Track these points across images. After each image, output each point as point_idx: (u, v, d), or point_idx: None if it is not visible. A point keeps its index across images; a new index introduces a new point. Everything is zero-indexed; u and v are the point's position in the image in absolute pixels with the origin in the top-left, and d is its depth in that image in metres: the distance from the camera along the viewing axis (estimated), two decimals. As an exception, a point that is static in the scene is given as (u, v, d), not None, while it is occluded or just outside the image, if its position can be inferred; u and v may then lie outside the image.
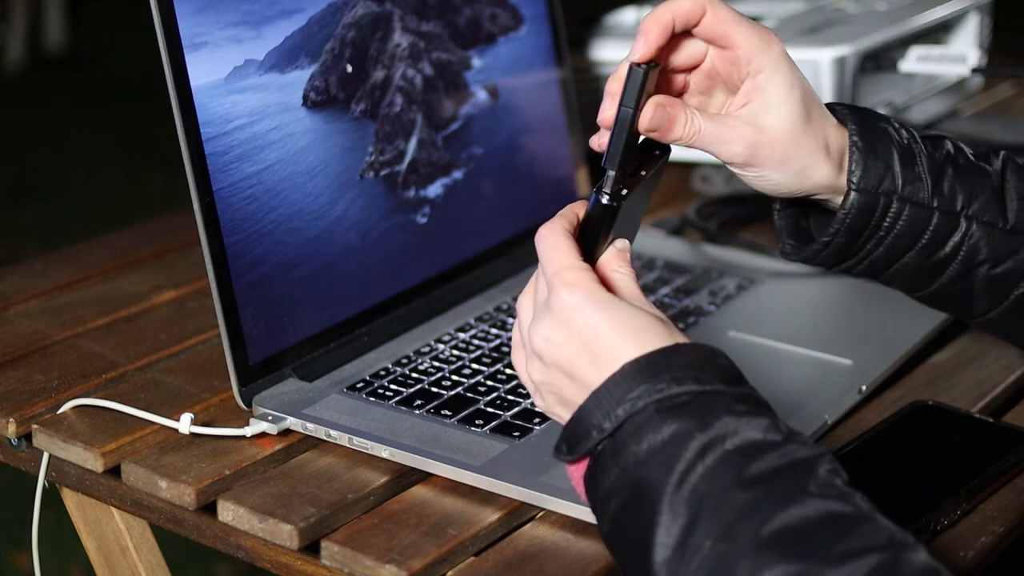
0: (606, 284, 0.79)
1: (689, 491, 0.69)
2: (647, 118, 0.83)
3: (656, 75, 0.84)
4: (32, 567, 1.07)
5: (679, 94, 0.89)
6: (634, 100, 0.81)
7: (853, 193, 0.87)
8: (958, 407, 1.02)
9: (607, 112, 0.84)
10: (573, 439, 0.75)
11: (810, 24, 1.45)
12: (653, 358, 0.74)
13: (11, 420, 0.99)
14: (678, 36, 0.86)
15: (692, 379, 0.73)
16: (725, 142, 0.85)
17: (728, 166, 0.88)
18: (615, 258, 0.81)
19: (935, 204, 0.89)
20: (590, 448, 0.74)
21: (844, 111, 0.90)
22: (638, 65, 0.81)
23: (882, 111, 1.40)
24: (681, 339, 0.76)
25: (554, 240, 0.79)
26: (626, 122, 0.81)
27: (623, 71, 0.84)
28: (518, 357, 0.81)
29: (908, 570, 0.64)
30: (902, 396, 1.05)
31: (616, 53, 1.45)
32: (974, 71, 1.43)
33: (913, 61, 1.42)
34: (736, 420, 0.71)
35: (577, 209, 0.82)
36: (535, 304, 0.79)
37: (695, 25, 0.85)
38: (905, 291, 0.95)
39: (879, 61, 1.41)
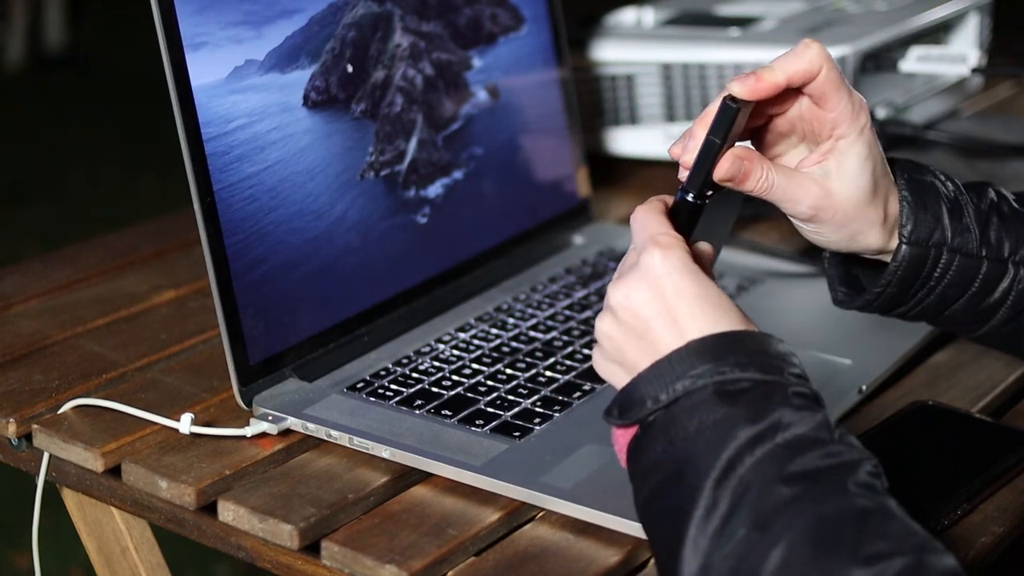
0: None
1: (735, 479, 0.70)
2: (724, 168, 0.84)
3: (748, 111, 0.85)
4: (32, 567, 1.07)
5: (760, 127, 0.90)
6: (722, 134, 0.83)
7: (904, 246, 0.90)
8: (958, 407, 1.02)
9: (696, 137, 0.85)
10: (627, 404, 0.77)
11: (810, 24, 1.45)
12: (722, 339, 0.75)
13: (11, 420, 0.99)
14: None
15: (755, 367, 0.74)
16: (793, 200, 0.87)
17: (788, 215, 0.90)
18: (698, 257, 0.82)
19: (984, 253, 0.92)
20: (642, 416, 0.76)
21: (892, 166, 0.91)
22: (733, 102, 0.82)
23: (882, 111, 1.41)
24: (752, 328, 0.77)
25: (650, 213, 0.81)
26: (710, 152, 0.83)
27: (716, 104, 0.84)
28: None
29: (933, 574, 0.65)
30: (902, 396, 1.05)
31: (616, 53, 1.45)
32: (974, 71, 1.43)
33: (913, 61, 1.42)
34: (790, 414, 0.72)
35: (666, 199, 0.84)
36: (620, 269, 0.81)
37: (805, 84, 0.86)
38: (957, 333, 0.98)
39: (879, 61, 1.41)
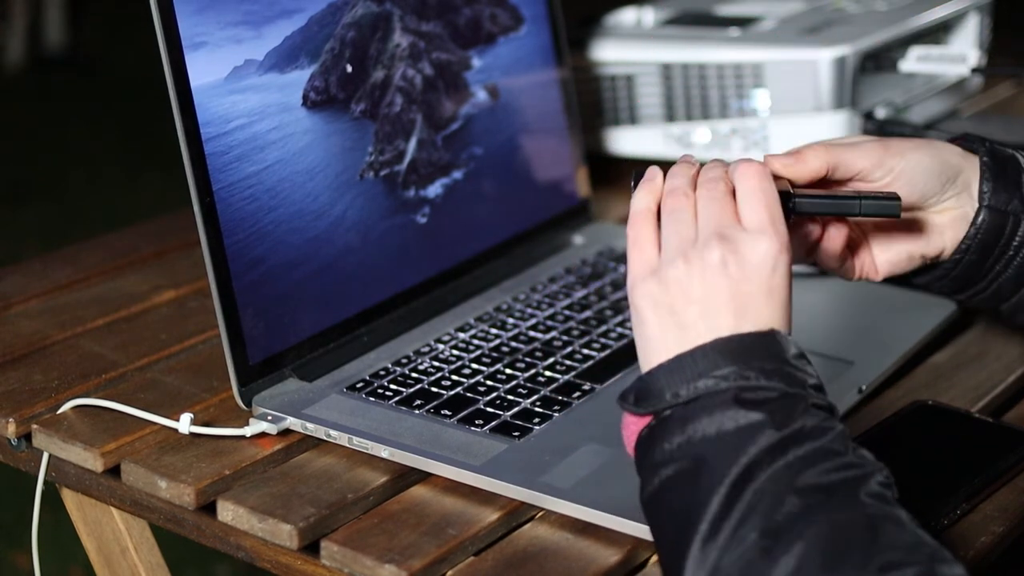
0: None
1: (750, 487, 0.70)
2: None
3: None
4: (32, 567, 1.07)
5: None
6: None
7: (984, 210, 0.90)
8: (958, 407, 1.02)
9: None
10: (644, 392, 0.76)
11: (810, 24, 1.45)
12: (749, 341, 0.74)
13: (11, 420, 0.99)
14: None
15: (780, 377, 0.73)
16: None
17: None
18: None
19: None
20: (658, 408, 0.75)
21: (975, 139, 0.93)
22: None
23: (882, 111, 1.41)
24: (783, 327, 0.76)
25: (775, 188, 0.79)
26: None
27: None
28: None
29: None
30: (902, 396, 1.05)
31: (616, 53, 1.45)
32: (974, 71, 1.43)
33: (913, 61, 1.42)
34: (810, 427, 0.72)
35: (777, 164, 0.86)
36: (723, 216, 0.78)
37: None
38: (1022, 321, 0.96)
39: (879, 61, 1.41)
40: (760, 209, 0.77)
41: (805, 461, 0.71)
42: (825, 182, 0.89)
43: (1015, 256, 0.91)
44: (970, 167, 0.91)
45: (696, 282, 0.76)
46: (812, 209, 0.85)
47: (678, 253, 0.77)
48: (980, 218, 0.90)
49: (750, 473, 0.70)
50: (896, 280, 0.96)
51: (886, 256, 0.92)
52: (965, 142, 0.93)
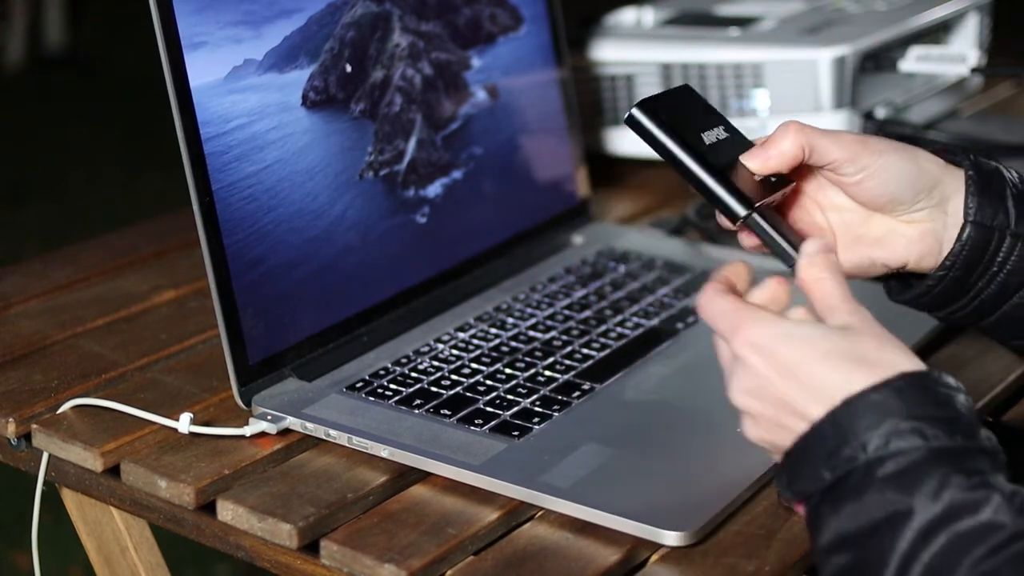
0: (812, 296, 0.79)
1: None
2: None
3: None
4: (32, 567, 1.07)
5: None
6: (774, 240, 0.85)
7: (969, 225, 0.88)
8: (957, 407, 1.02)
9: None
10: (794, 477, 0.75)
11: (810, 24, 1.45)
12: (868, 401, 0.72)
13: (11, 420, 0.99)
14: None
15: (915, 432, 0.71)
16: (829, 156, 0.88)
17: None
18: (810, 266, 0.80)
19: None
20: (809, 493, 0.74)
21: (958, 150, 0.91)
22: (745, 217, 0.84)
23: (882, 111, 1.41)
24: (892, 358, 0.74)
25: (714, 301, 0.79)
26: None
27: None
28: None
29: None
30: (901, 396, 1.05)
31: (616, 53, 1.45)
32: (974, 71, 1.43)
33: (913, 61, 1.42)
34: (964, 496, 0.69)
35: (726, 271, 0.82)
36: (724, 367, 0.80)
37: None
38: (1006, 338, 0.95)
39: (879, 61, 1.41)
40: (715, 325, 0.79)
41: (969, 540, 0.67)
42: (800, 169, 0.88)
43: (998, 272, 0.89)
44: (951, 181, 0.88)
45: (766, 390, 0.76)
46: (757, 232, 0.85)
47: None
48: (966, 233, 0.88)
49: (909, 566, 0.68)
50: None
51: (847, 256, 0.90)
52: (949, 154, 0.91)
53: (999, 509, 0.68)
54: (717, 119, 0.89)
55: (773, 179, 0.87)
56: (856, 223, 0.90)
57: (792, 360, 0.75)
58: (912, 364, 0.74)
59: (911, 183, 0.87)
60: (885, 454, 0.71)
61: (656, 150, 0.86)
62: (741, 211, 0.84)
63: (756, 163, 0.86)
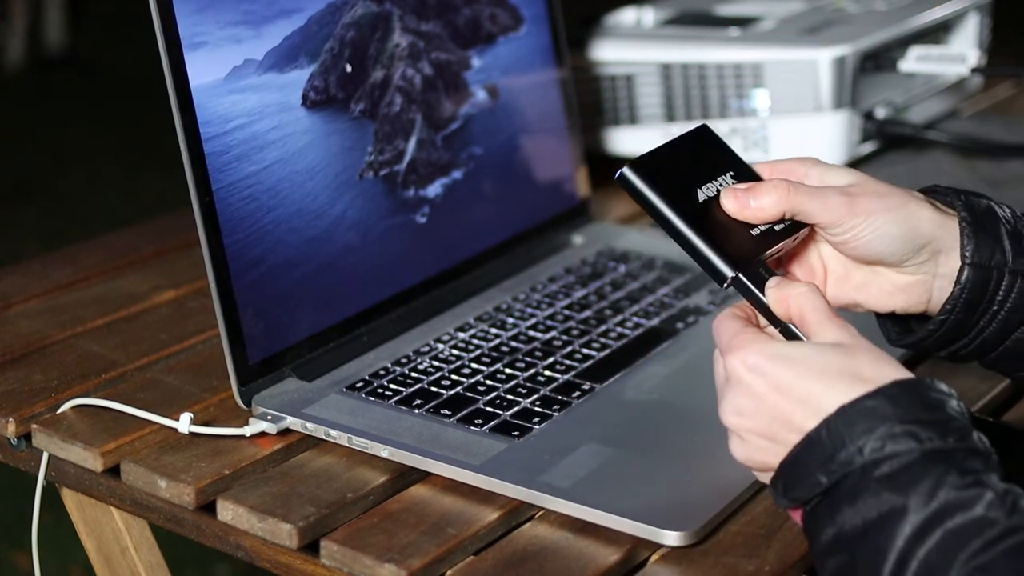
0: (799, 319, 0.80)
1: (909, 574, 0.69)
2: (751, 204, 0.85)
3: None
4: (32, 567, 1.07)
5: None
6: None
7: (967, 268, 0.87)
8: (957, 407, 1.02)
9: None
10: (790, 484, 0.76)
11: (810, 24, 1.45)
12: (862, 408, 0.73)
13: (11, 420, 0.99)
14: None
15: (909, 435, 0.72)
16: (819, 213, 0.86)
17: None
18: (797, 289, 0.81)
19: None
20: (806, 499, 0.75)
21: (949, 192, 0.90)
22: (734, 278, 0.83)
23: (882, 111, 1.41)
24: (885, 371, 0.75)
25: (722, 321, 0.81)
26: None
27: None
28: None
29: None
30: (901, 396, 1.05)
31: (616, 53, 1.45)
32: (974, 71, 1.43)
33: (913, 61, 1.42)
34: (958, 494, 0.70)
35: (737, 307, 0.83)
36: (717, 387, 0.80)
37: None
38: (1009, 371, 0.94)
39: (879, 61, 1.41)
40: (718, 343, 0.80)
41: (962, 536, 0.68)
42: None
43: (999, 311, 0.89)
44: (945, 234, 0.87)
45: (760, 412, 0.77)
46: (744, 295, 0.84)
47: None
48: (964, 276, 0.87)
49: (904, 565, 0.69)
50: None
51: (832, 294, 0.90)
52: (939, 196, 0.89)
53: (992, 506, 0.70)
54: (728, 164, 0.87)
55: (779, 227, 0.86)
56: (839, 266, 0.90)
57: (787, 378, 0.76)
58: (905, 375, 0.76)
59: (900, 244, 0.86)
60: (880, 456, 0.72)
61: (643, 208, 0.86)
62: (728, 272, 0.83)
63: (731, 206, 0.85)
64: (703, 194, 0.85)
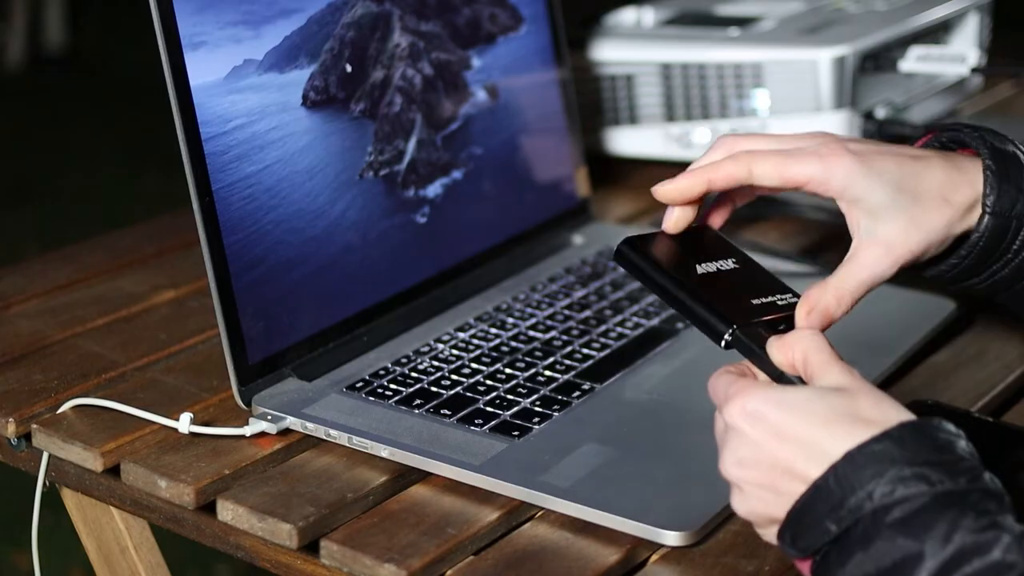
0: (802, 362, 0.78)
1: None
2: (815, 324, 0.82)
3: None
4: (32, 567, 1.07)
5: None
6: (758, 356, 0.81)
7: (988, 216, 0.86)
8: (958, 406, 1.02)
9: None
10: (798, 534, 0.72)
11: (810, 24, 1.45)
12: (869, 452, 0.70)
13: (11, 420, 0.99)
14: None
15: (919, 478, 0.69)
16: (881, 276, 0.85)
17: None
18: (800, 334, 0.79)
19: None
20: (816, 548, 0.72)
21: (974, 135, 0.89)
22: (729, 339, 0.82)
23: (882, 111, 1.41)
24: (889, 413, 0.73)
25: (718, 378, 0.78)
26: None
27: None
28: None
29: None
30: (901, 396, 1.04)
31: (616, 53, 1.45)
32: (974, 71, 1.43)
33: (913, 61, 1.42)
34: (974, 537, 0.68)
35: (730, 367, 0.81)
36: (718, 444, 0.78)
37: (744, 185, 0.86)
38: (1018, 311, 0.93)
39: (879, 61, 1.41)
40: (715, 399, 0.78)
41: None
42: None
43: (1013, 259, 0.88)
44: (966, 191, 0.85)
45: (761, 461, 0.74)
46: (743, 352, 0.82)
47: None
48: (983, 224, 0.86)
49: None
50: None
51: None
52: (964, 135, 0.88)
53: (1009, 549, 0.68)
54: (729, 253, 0.88)
55: (781, 301, 0.85)
56: None
57: (787, 424, 0.73)
58: (909, 416, 0.73)
59: (922, 250, 0.85)
60: (891, 501, 0.69)
61: (642, 282, 0.86)
62: (727, 327, 0.81)
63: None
64: (702, 269, 0.86)
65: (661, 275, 0.85)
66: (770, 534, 0.76)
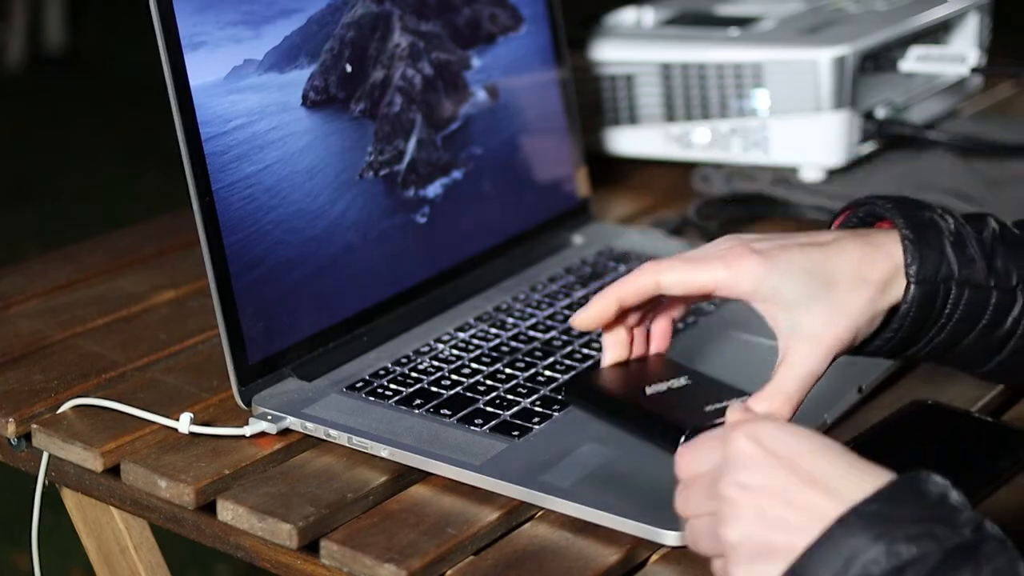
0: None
1: None
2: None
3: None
4: (32, 567, 1.07)
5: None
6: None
7: (914, 286, 0.86)
8: (958, 406, 1.02)
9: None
10: None
11: (810, 24, 1.45)
12: (876, 507, 0.66)
13: (11, 420, 0.99)
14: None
15: (927, 536, 0.65)
16: (816, 370, 0.85)
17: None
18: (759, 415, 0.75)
19: (992, 283, 0.88)
20: None
21: (888, 207, 0.89)
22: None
23: (882, 111, 1.41)
24: (882, 473, 0.69)
25: (680, 458, 0.76)
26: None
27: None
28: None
29: None
30: (901, 395, 1.05)
31: (616, 53, 1.45)
32: (974, 71, 1.43)
33: (913, 61, 1.42)
34: None
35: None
36: (706, 483, 0.72)
37: (652, 300, 0.88)
38: (966, 370, 0.94)
39: (879, 61, 1.41)
40: (707, 454, 0.74)
41: None
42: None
43: (947, 323, 0.88)
44: (885, 271, 0.85)
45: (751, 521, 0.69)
46: None
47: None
48: (910, 294, 0.86)
49: None
50: None
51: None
52: (879, 209, 0.88)
53: None
54: (679, 372, 0.91)
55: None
56: None
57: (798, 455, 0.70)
58: (890, 475, 0.69)
59: (851, 335, 0.85)
60: (900, 563, 0.65)
61: (593, 414, 0.92)
62: (675, 434, 0.85)
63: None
64: (651, 390, 0.90)
65: (610, 401, 0.90)
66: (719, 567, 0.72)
